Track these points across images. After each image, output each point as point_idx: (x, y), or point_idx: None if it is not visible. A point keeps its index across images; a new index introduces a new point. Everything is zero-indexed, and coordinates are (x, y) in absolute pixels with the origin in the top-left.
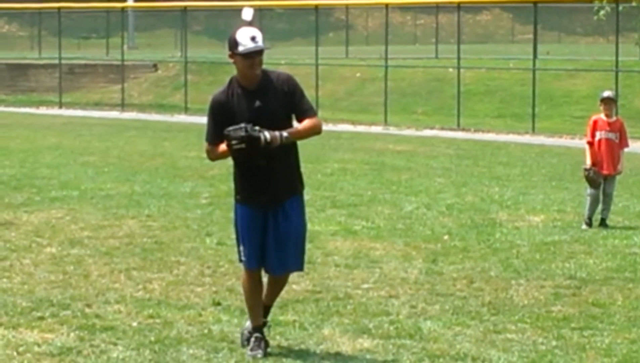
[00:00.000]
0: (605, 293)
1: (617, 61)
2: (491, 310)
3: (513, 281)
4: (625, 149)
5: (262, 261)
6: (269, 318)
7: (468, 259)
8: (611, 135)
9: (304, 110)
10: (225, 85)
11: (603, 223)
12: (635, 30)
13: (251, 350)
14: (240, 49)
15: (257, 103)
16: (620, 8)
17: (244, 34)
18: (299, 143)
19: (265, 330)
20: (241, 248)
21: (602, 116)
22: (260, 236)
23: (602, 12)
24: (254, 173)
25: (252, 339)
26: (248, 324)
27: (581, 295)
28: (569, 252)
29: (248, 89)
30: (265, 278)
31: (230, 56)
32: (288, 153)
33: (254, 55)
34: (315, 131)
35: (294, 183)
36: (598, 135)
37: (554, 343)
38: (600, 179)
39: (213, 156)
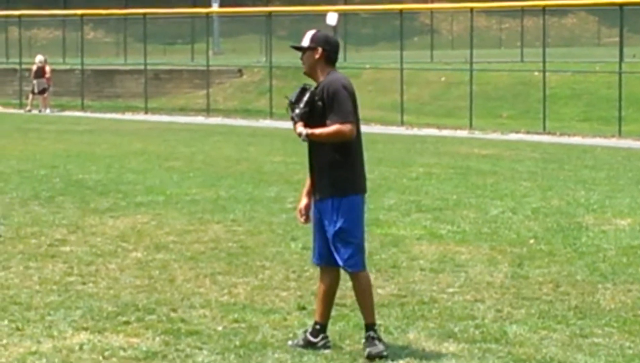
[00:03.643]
0: None
1: None
2: (577, 314)
3: (600, 285)
4: None
5: None
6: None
7: (554, 263)
8: None
9: (331, 114)
10: None
11: None
12: None
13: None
14: None
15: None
16: None
17: None
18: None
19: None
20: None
21: None
22: None
23: None
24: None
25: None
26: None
27: None
28: None
29: None
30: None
31: None
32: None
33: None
34: (337, 136)
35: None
36: None
37: None
38: None
39: None
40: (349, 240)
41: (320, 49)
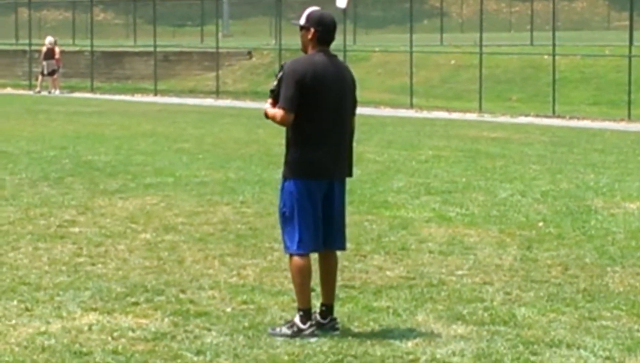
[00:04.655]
0: None
1: None
2: (586, 297)
3: (608, 268)
4: None
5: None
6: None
7: (563, 246)
8: None
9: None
10: None
11: None
12: None
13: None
14: None
15: None
16: None
17: None
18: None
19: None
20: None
21: None
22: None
23: None
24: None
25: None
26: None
27: None
28: None
29: None
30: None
31: None
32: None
33: None
34: (274, 120)
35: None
36: None
37: None
38: None
39: None
40: (285, 222)
41: (312, 30)
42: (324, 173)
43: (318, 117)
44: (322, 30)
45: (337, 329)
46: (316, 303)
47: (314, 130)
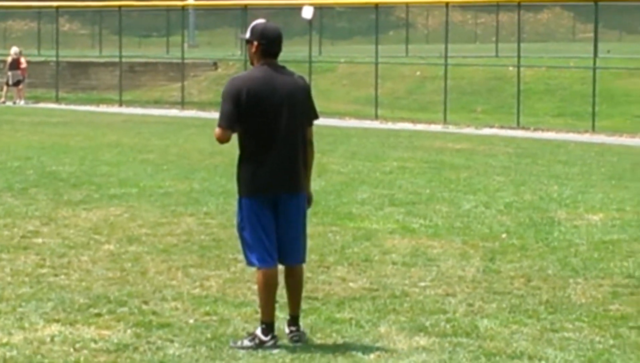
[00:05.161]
0: None
1: None
2: (548, 309)
3: (571, 280)
4: None
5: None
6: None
7: (526, 257)
8: None
9: None
10: None
11: None
12: None
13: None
14: None
15: None
16: None
17: None
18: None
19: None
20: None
21: None
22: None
23: None
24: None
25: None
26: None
27: (639, 294)
28: (628, 251)
29: None
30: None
31: None
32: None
33: None
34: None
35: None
36: None
37: (611, 342)
38: None
39: None
40: (240, 236)
41: (256, 43)
42: (268, 189)
43: (258, 133)
44: (266, 43)
45: (299, 341)
46: (280, 315)
47: (256, 146)
